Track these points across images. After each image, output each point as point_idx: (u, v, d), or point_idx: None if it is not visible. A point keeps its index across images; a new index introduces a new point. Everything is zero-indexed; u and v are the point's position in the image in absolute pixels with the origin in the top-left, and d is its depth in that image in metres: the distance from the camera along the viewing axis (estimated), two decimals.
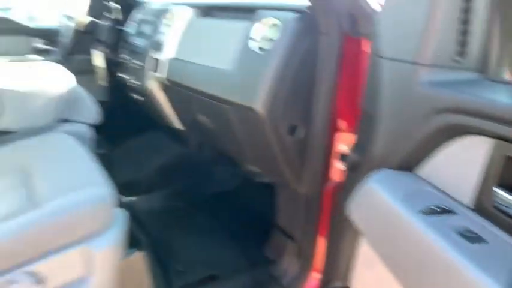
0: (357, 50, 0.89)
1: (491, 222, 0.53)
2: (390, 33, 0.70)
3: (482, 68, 0.62)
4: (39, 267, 0.81)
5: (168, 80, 1.33)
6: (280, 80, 0.92)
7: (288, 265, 1.18)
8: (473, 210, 0.56)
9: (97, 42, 1.83)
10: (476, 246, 0.49)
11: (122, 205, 1.00)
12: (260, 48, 0.98)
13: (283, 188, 1.17)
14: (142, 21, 1.61)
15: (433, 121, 0.60)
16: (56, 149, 1.15)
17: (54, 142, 1.20)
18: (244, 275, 1.27)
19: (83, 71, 1.66)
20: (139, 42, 1.57)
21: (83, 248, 0.86)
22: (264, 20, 0.99)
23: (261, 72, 0.93)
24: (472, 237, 0.50)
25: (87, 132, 1.41)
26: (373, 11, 0.84)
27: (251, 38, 1.00)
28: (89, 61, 1.96)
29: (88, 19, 1.79)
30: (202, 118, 1.27)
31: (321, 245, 1.03)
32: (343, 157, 0.96)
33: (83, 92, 1.45)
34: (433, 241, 0.51)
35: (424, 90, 0.62)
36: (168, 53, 1.33)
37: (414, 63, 0.63)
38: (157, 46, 1.36)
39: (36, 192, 0.91)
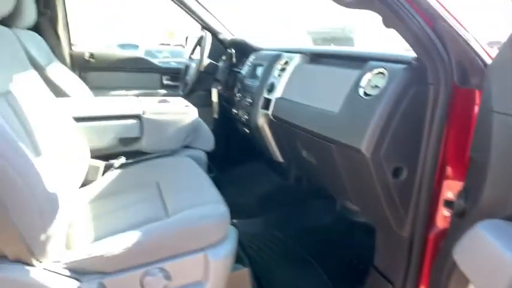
0: (466, 100, 0.92)
1: None
2: (502, 86, 0.72)
3: None
4: (169, 266, 0.97)
5: (275, 116, 1.48)
6: (385, 124, 0.97)
7: None
8: None
9: (215, 81, 2.10)
10: None
11: None
12: (365, 94, 1.06)
13: (384, 229, 1.18)
14: (256, 65, 1.81)
15: None
16: (181, 169, 1.36)
17: (179, 164, 1.42)
18: None
19: (201, 105, 1.91)
20: (251, 82, 1.77)
21: (202, 255, 1.01)
22: (373, 70, 1.08)
23: (367, 116, 1.00)
24: None
25: (204, 158, 1.62)
26: (484, 63, 0.87)
27: (359, 85, 1.09)
28: (207, 96, 2.25)
29: (208, 61, 2.07)
30: (305, 153, 1.38)
31: None
32: (449, 203, 0.97)
33: (202, 123, 1.68)
34: None
35: None
36: (278, 93, 1.49)
37: None
38: (270, 87, 1.53)
39: (167, 203, 1.10)
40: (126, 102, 1.64)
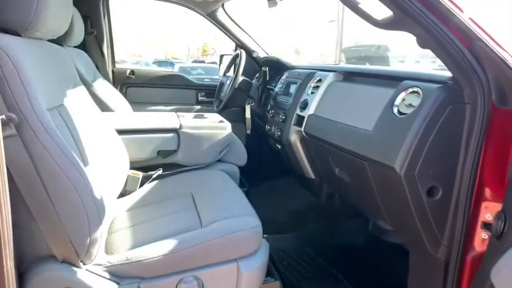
0: (505, 120, 0.91)
1: None
2: None
3: None
4: (202, 275, 1.01)
5: (308, 133, 1.50)
6: (420, 142, 0.97)
7: None
8: None
9: (248, 97, 2.16)
10: None
11: None
12: (400, 112, 1.07)
13: (418, 250, 1.16)
14: (289, 82, 1.86)
15: None
16: (215, 182, 1.41)
17: (213, 176, 1.47)
18: None
19: (234, 120, 1.96)
20: (284, 99, 1.81)
21: (235, 266, 1.03)
22: (407, 89, 1.08)
23: (401, 134, 1.00)
24: None
25: (237, 172, 1.66)
26: None
27: (393, 103, 1.10)
28: (240, 112, 2.31)
29: (242, 78, 2.14)
30: (337, 171, 1.39)
31: None
32: (487, 225, 0.95)
33: (235, 138, 1.73)
34: None
35: None
36: (311, 110, 1.51)
37: None
38: (303, 104, 1.57)
39: (201, 214, 1.14)
40: (164, 116, 1.73)
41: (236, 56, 2.28)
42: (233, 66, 2.39)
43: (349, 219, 1.77)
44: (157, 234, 1.05)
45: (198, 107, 2.75)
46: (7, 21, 0.89)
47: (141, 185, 1.47)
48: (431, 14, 0.87)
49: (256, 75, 2.43)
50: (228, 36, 2.59)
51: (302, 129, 1.52)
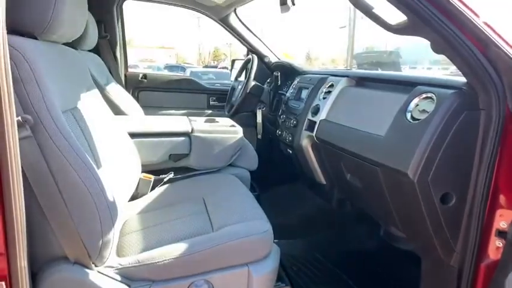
0: None
1: None
2: None
3: None
4: (213, 278, 1.01)
5: (319, 138, 1.49)
6: (433, 148, 0.96)
7: None
8: None
9: (260, 102, 2.16)
10: None
11: None
12: (413, 118, 1.06)
13: (430, 258, 1.14)
14: (301, 88, 1.85)
15: None
16: (226, 186, 1.41)
17: (224, 181, 1.48)
18: None
19: (245, 125, 1.97)
20: (296, 104, 1.81)
21: (246, 271, 1.03)
22: (421, 94, 1.07)
23: (414, 139, 0.99)
24: None
25: (247, 176, 1.66)
26: None
27: (407, 109, 1.09)
28: (251, 117, 2.32)
29: (254, 83, 2.15)
30: (349, 176, 1.38)
31: None
32: (501, 233, 0.93)
33: (247, 142, 1.73)
34: None
35: None
36: (323, 115, 1.51)
37: None
38: (315, 109, 1.56)
39: (212, 218, 1.14)
40: (176, 120, 1.74)
41: (248, 61, 2.29)
42: (245, 71, 2.40)
43: (360, 225, 1.76)
44: (169, 238, 1.05)
45: (210, 111, 2.77)
46: (24, 24, 0.91)
47: (153, 188, 1.48)
48: (446, 19, 0.86)
49: (268, 80, 2.44)
50: (240, 41, 2.61)
51: (313, 134, 1.52)
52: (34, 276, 0.89)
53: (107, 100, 1.63)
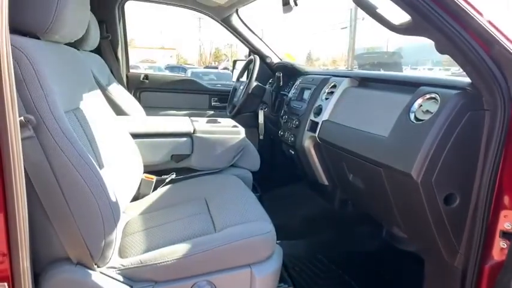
0: None
1: None
2: None
3: None
4: (216, 279, 1.00)
5: (322, 139, 1.49)
6: (437, 149, 0.96)
7: None
8: None
9: (262, 103, 2.16)
10: None
11: None
12: (417, 119, 1.05)
13: (434, 259, 1.14)
14: (303, 88, 1.85)
15: None
16: (228, 187, 1.41)
17: (226, 181, 1.47)
18: None
19: (247, 126, 1.96)
20: (298, 105, 1.80)
21: (249, 271, 1.03)
22: (425, 95, 1.07)
23: (418, 140, 0.99)
24: None
25: (250, 177, 1.66)
26: None
27: (410, 110, 1.08)
28: (253, 118, 2.32)
29: (256, 84, 2.14)
30: (351, 177, 1.37)
31: None
32: (505, 234, 0.93)
33: (249, 143, 1.73)
34: None
35: None
36: (325, 116, 1.50)
37: None
38: (317, 110, 1.56)
39: (215, 218, 1.14)
40: (178, 121, 1.74)
41: (250, 62, 2.29)
42: (246, 71, 2.40)
43: (362, 225, 1.75)
44: (171, 238, 1.05)
45: (211, 112, 2.77)
46: (26, 24, 0.91)
47: (155, 188, 1.48)
48: (450, 19, 0.86)
49: (270, 81, 2.44)
50: (242, 42, 2.60)
51: (316, 135, 1.52)
52: (37, 277, 0.89)
53: (109, 100, 1.63)
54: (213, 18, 2.57)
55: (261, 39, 2.60)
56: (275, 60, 2.57)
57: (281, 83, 2.13)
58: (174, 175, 1.54)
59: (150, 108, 2.53)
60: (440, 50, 0.95)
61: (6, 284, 0.74)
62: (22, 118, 0.77)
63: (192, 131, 1.63)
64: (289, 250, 1.58)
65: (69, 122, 0.90)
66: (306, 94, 1.79)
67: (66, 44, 1.16)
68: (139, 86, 2.74)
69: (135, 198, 1.40)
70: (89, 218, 0.88)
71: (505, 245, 0.93)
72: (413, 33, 0.95)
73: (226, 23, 2.54)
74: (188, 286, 0.99)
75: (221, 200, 1.26)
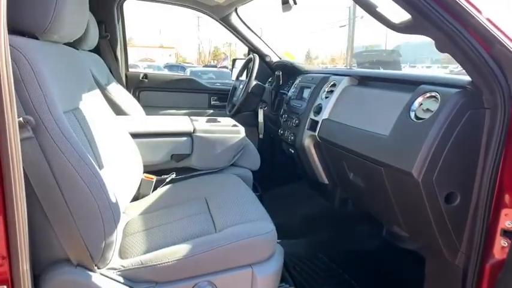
0: None
1: None
2: None
3: None
4: (217, 280, 1.00)
5: (322, 138, 1.49)
6: (438, 148, 0.96)
7: None
8: None
9: (261, 102, 2.15)
10: None
11: None
12: (417, 117, 1.05)
13: (434, 258, 1.14)
14: (303, 87, 1.85)
15: None
16: (229, 186, 1.41)
17: (226, 181, 1.47)
18: None
19: (247, 124, 1.96)
20: (298, 104, 1.80)
21: (250, 272, 1.02)
22: (425, 94, 1.07)
23: (419, 139, 0.99)
24: None
25: (250, 176, 1.66)
26: None
27: (410, 108, 1.08)
28: (252, 117, 2.31)
29: (256, 82, 2.14)
30: (352, 176, 1.37)
31: None
32: (506, 233, 0.93)
33: (249, 142, 1.72)
34: None
35: None
36: (325, 115, 1.50)
37: None
38: (317, 109, 1.55)
39: (215, 218, 1.14)
40: (178, 120, 1.73)
41: (249, 60, 2.28)
42: (246, 70, 2.39)
43: (363, 224, 1.75)
44: (172, 239, 1.04)
45: (211, 111, 2.76)
46: (25, 24, 0.90)
47: (155, 188, 1.47)
48: (451, 17, 0.85)
49: (269, 80, 2.43)
50: (241, 41, 2.60)
51: (316, 133, 1.51)
52: (36, 279, 0.89)
53: (108, 100, 1.62)
54: (212, 17, 2.56)
55: (260, 37, 2.60)
56: (274, 59, 2.57)
57: (281, 81, 2.13)
58: (174, 175, 1.54)
59: (150, 108, 2.52)
60: (440, 48, 0.94)
61: (5, 286, 0.74)
62: (21, 119, 0.77)
63: (192, 131, 1.63)
64: (289, 249, 1.58)
65: (68, 122, 0.90)
66: (306, 93, 1.78)
67: (64, 44, 1.15)
68: (138, 86, 2.73)
69: (135, 198, 1.39)
70: (88, 219, 0.87)
71: (506, 244, 0.93)
72: (413, 31, 0.95)
73: (226, 21, 2.54)
74: (189, 287, 0.98)
75: (221, 200, 1.25)
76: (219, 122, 1.76)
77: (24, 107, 0.80)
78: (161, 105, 2.71)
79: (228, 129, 1.67)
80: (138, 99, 2.65)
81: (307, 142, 1.62)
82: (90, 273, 0.91)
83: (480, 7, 0.84)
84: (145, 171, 1.46)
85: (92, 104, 1.20)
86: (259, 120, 2.14)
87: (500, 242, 0.95)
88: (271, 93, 2.15)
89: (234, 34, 2.58)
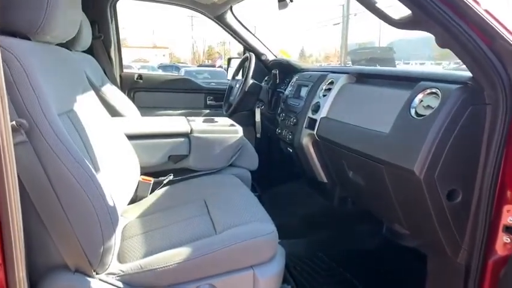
0: None
1: None
2: None
3: None
4: (218, 282, 0.99)
5: (320, 136, 1.47)
6: (439, 145, 0.94)
7: None
8: None
9: (258, 101, 2.13)
10: None
11: None
12: (417, 114, 1.04)
13: (436, 255, 1.13)
14: (300, 85, 1.83)
15: None
16: (228, 187, 1.39)
17: (225, 181, 1.45)
18: None
19: (244, 124, 1.94)
20: (295, 102, 1.78)
21: (251, 273, 1.01)
22: (425, 90, 1.06)
23: (420, 136, 0.97)
24: None
25: (248, 176, 1.64)
26: None
27: (411, 105, 1.07)
28: (249, 116, 2.30)
29: (252, 82, 2.12)
30: (351, 174, 1.36)
31: None
32: (508, 229, 0.92)
33: (247, 142, 1.70)
34: None
35: None
36: (324, 113, 1.49)
37: None
38: (315, 107, 1.54)
39: (215, 220, 1.12)
40: (175, 121, 1.71)
41: (245, 59, 2.26)
42: (242, 69, 2.37)
43: (363, 223, 1.74)
44: (171, 242, 1.02)
45: (207, 111, 2.74)
46: (16, 25, 0.88)
47: (152, 190, 1.45)
48: (452, 12, 0.84)
49: (265, 78, 2.42)
50: (236, 40, 2.58)
51: (314, 132, 1.50)
52: (34, 286, 0.86)
53: (103, 101, 1.59)
54: (207, 16, 2.54)
55: (255, 36, 2.58)
56: (270, 57, 2.55)
57: (277, 80, 2.11)
58: (172, 176, 1.51)
59: (145, 109, 2.50)
60: (441, 44, 0.93)
61: None
62: (14, 122, 0.74)
63: (189, 131, 1.61)
64: (289, 249, 1.57)
65: (63, 125, 0.87)
66: (303, 91, 1.77)
67: (57, 45, 1.13)
68: (133, 86, 2.71)
69: (133, 201, 1.37)
70: (86, 224, 0.85)
71: (509, 240, 0.93)
72: (413, 27, 0.93)
73: (221, 20, 2.52)
74: None
75: (221, 201, 1.24)
76: (216, 121, 1.75)
77: (17, 110, 0.78)
78: (157, 106, 2.69)
79: (226, 129, 1.66)
80: (133, 100, 2.62)
81: (306, 141, 1.60)
82: (89, 279, 0.89)
83: (482, 2, 0.83)
84: (142, 173, 1.44)
85: (86, 105, 1.18)
86: (256, 119, 2.13)
87: (503, 238, 0.94)
88: (268, 92, 2.14)
89: (229, 33, 2.56)
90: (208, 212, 1.19)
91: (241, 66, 2.36)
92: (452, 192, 0.98)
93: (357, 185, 1.35)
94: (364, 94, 1.36)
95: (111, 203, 0.92)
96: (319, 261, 1.67)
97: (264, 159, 1.84)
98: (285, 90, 2.01)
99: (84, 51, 2.07)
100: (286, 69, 2.16)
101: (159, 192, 1.44)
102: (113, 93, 2.05)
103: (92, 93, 1.31)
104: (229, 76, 2.57)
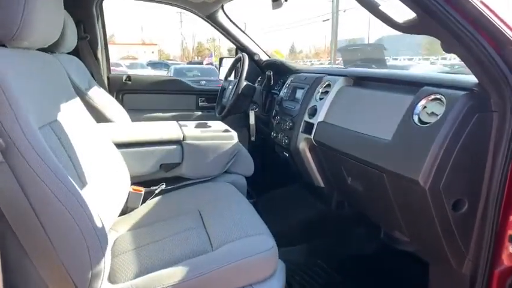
0: None
1: None
2: None
3: None
4: None
5: (318, 141, 1.43)
6: (445, 154, 0.91)
7: None
8: None
9: (252, 103, 2.07)
10: None
11: None
12: (421, 121, 1.00)
13: (440, 265, 1.10)
14: (296, 87, 1.78)
15: None
16: (222, 196, 1.33)
17: (220, 190, 1.39)
18: None
19: (237, 127, 1.88)
20: (291, 105, 1.73)
21: None
22: (429, 96, 1.01)
23: (425, 145, 0.93)
24: None
25: (244, 183, 1.58)
26: None
27: (413, 112, 1.03)
28: (242, 118, 2.24)
29: (246, 83, 2.06)
30: (350, 180, 1.32)
31: None
32: None
33: (242, 147, 1.64)
34: None
35: None
36: (321, 117, 1.44)
37: None
38: (312, 111, 1.49)
39: (210, 234, 1.06)
40: (166, 127, 1.64)
41: (238, 60, 2.20)
42: (234, 70, 2.31)
43: (360, 227, 1.71)
44: (165, 259, 0.97)
45: (199, 113, 2.67)
46: None
47: (144, 201, 1.38)
48: (460, 16, 0.80)
49: (258, 79, 2.36)
50: (228, 39, 2.51)
51: (311, 137, 1.45)
52: None
53: (90, 106, 1.52)
54: (198, 15, 2.46)
55: (248, 35, 2.51)
56: (263, 57, 2.49)
57: (272, 82, 2.05)
58: (164, 185, 1.45)
59: (134, 111, 2.41)
60: (447, 49, 0.89)
61: None
62: None
63: (181, 138, 1.54)
64: (287, 257, 1.53)
65: (45, 138, 0.81)
66: (299, 94, 1.71)
67: (39, 49, 1.05)
68: (121, 88, 2.61)
69: (123, 212, 1.30)
70: (71, 247, 0.79)
71: None
72: (419, 31, 0.89)
73: (212, 19, 2.44)
74: None
75: (216, 212, 1.18)
76: (210, 126, 1.68)
77: None
78: (146, 108, 2.60)
79: (220, 135, 1.59)
80: (122, 102, 2.53)
81: (302, 146, 1.55)
82: None
83: (492, 6, 0.79)
84: (132, 183, 1.37)
85: (71, 114, 1.11)
86: (250, 122, 2.06)
87: (509, 248, 0.91)
88: (262, 94, 2.08)
89: (220, 32, 2.49)
90: (204, 224, 1.13)
91: (234, 66, 2.30)
92: (458, 202, 0.95)
93: (356, 191, 1.31)
94: (363, 98, 1.31)
95: (98, 224, 0.85)
96: (318, 269, 1.62)
97: (258, 163, 1.78)
98: (279, 91, 1.95)
99: (69, 53, 1.98)
100: (281, 70, 2.11)
101: (151, 202, 1.37)
102: (101, 96, 1.97)
103: (77, 99, 1.24)
104: (221, 76, 2.50)
